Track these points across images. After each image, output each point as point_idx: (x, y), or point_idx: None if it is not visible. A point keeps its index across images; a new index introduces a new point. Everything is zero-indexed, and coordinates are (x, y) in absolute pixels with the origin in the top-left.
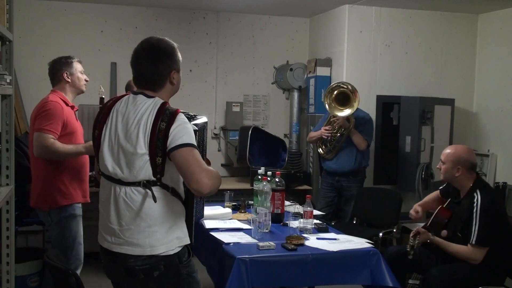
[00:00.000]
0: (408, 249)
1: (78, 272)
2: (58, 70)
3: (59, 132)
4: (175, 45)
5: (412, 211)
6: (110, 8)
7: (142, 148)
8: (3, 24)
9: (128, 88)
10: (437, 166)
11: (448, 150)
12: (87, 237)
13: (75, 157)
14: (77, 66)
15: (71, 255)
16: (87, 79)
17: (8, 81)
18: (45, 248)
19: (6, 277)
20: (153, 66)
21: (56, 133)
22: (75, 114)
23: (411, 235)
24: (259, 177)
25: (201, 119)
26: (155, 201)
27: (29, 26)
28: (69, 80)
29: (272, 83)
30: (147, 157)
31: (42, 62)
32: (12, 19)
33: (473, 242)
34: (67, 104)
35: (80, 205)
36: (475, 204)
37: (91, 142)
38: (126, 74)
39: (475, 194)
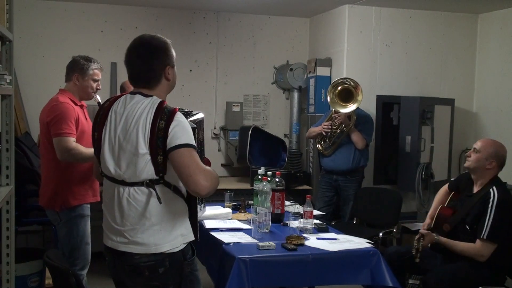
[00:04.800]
0: (414, 253)
1: (85, 272)
2: (71, 69)
3: (75, 132)
4: (168, 40)
5: (422, 231)
6: (110, 8)
7: (143, 148)
8: (3, 24)
9: (122, 89)
10: (467, 154)
11: (485, 142)
12: (93, 237)
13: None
14: (92, 73)
15: (78, 255)
16: (99, 88)
17: (8, 81)
18: (45, 248)
19: (6, 277)
20: (147, 64)
21: (74, 135)
22: (84, 113)
23: (415, 239)
24: (259, 177)
25: (197, 115)
26: (160, 203)
27: (29, 26)
28: (78, 84)
29: (272, 83)
30: (148, 157)
31: (42, 62)
32: (12, 19)
33: (484, 237)
34: (75, 104)
35: (89, 205)
36: (490, 200)
37: None
38: (126, 74)
39: (491, 190)
